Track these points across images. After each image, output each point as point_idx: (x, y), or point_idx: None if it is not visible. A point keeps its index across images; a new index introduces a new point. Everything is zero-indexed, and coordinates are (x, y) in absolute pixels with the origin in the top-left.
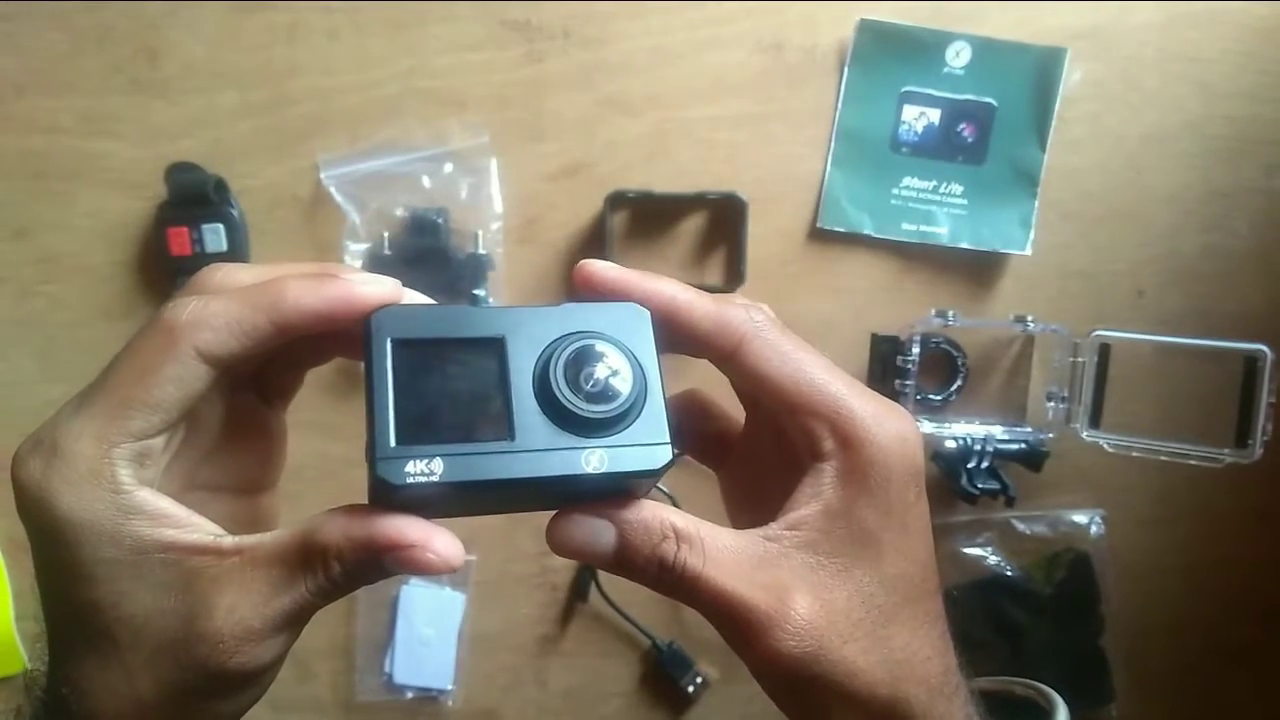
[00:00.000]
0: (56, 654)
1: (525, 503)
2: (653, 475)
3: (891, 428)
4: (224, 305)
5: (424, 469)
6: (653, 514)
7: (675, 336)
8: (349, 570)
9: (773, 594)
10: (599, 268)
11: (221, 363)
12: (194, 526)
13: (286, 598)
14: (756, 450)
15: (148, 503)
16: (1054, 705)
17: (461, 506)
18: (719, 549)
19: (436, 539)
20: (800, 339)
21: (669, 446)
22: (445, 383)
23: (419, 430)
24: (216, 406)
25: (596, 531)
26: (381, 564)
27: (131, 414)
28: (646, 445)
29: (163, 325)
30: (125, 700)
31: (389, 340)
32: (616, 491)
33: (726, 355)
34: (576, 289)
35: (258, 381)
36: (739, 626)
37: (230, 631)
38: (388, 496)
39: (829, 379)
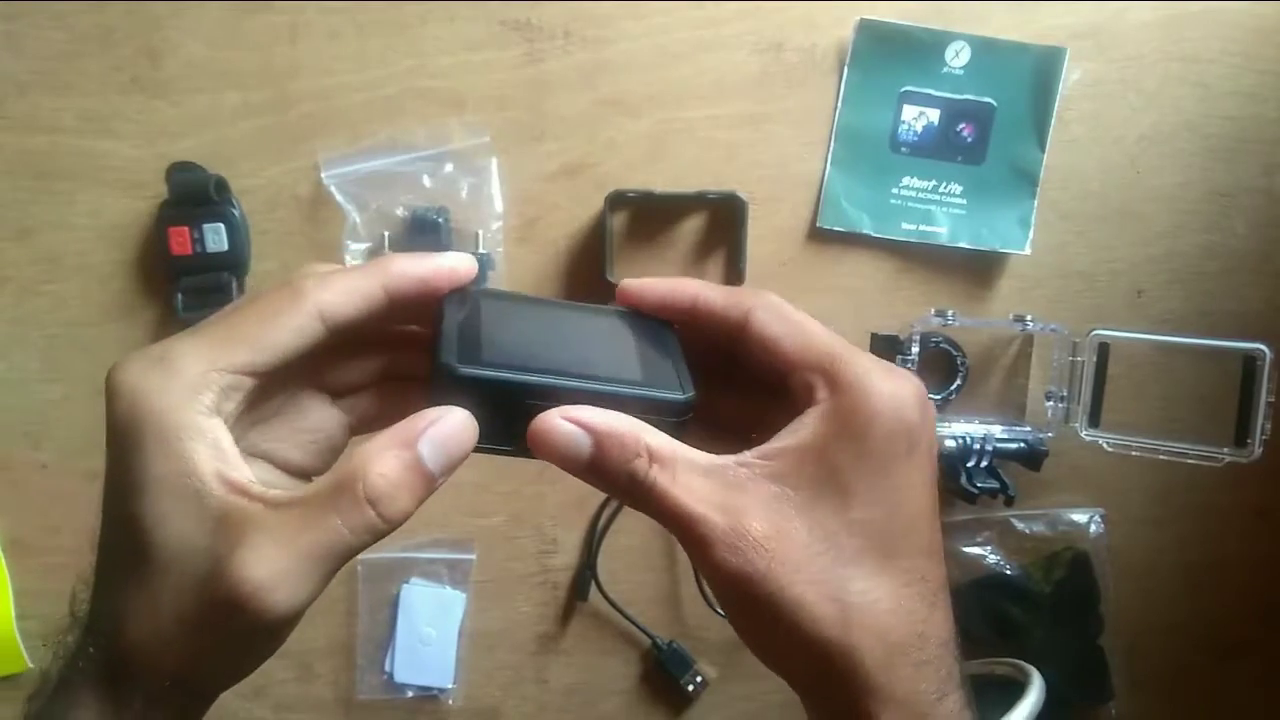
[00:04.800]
0: (101, 573)
1: None
2: (674, 406)
3: (887, 383)
4: (345, 273)
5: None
6: (630, 429)
7: (699, 321)
8: (382, 492)
9: (730, 515)
10: (630, 285)
11: (336, 325)
12: (238, 465)
13: (312, 535)
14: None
15: (214, 430)
16: (1029, 678)
17: (506, 427)
18: (688, 469)
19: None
20: (807, 315)
21: (689, 394)
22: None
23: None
24: (288, 382)
25: (575, 440)
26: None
27: (242, 348)
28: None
29: (292, 284)
30: (147, 627)
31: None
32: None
33: (738, 326)
34: (620, 302)
35: (336, 391)
36: (693, 540)
37: (251, 570)
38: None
39: (830, 339)
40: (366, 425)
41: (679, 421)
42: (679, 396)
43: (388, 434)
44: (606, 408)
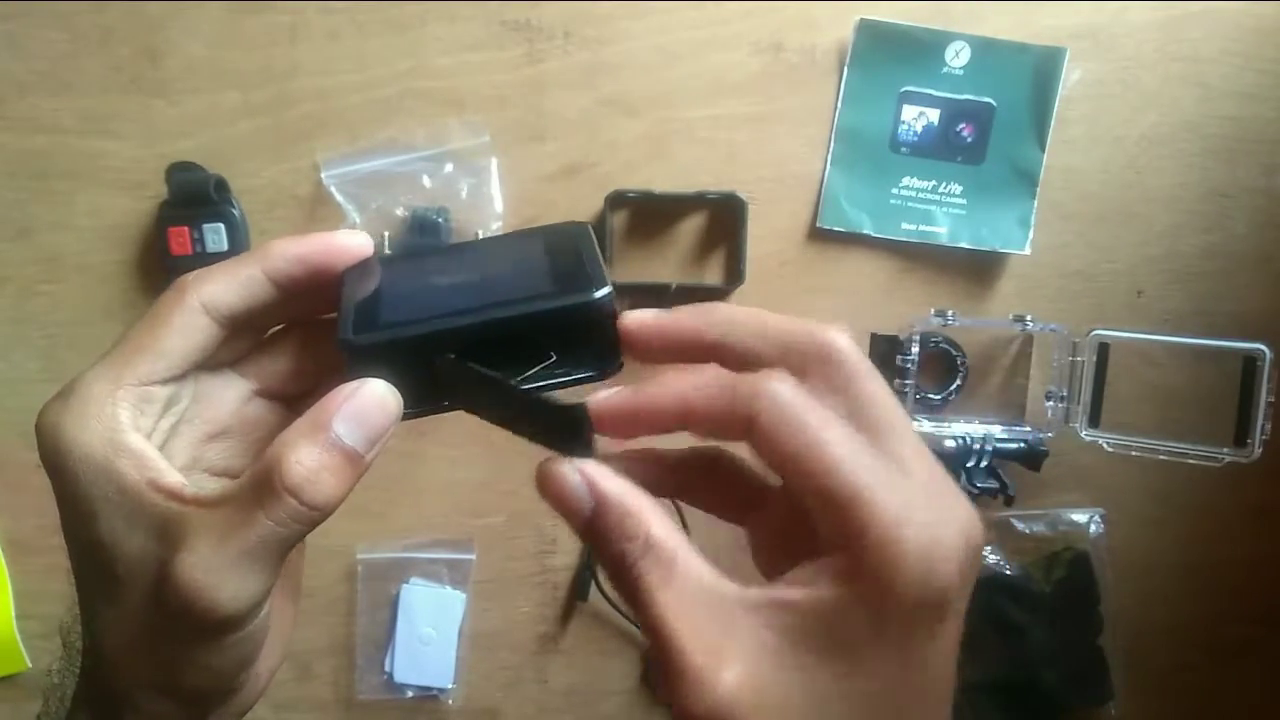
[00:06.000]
0: (81, 594)
1: (492, 396)
2: (587, 308)
3: (922, 536)
4: (223, 264)
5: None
6: (638, 507)
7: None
8: (299, 482)
9: (708, 654)
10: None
11: (222, 314)
12: (167, 472)
13: (242, 532)
14: (787, 511)
15: (135, 443)
16: None
17: (433, 385)
18: (686, 579)
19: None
20: (854, 394)
21: (606, 291)
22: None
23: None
24: (228, 392)
25: (578, 496)
26: (332, 439)
27: (139, 359)
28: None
29: (174, 286)
30: (121, 642)
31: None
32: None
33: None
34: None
35: (283, 392)
36: (665, 666)
37: (190, 573)
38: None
39: (853, 467)
40: None
41: (607, 323)
42: (587, 298)
43: (301, 420)
44: (514, 333)
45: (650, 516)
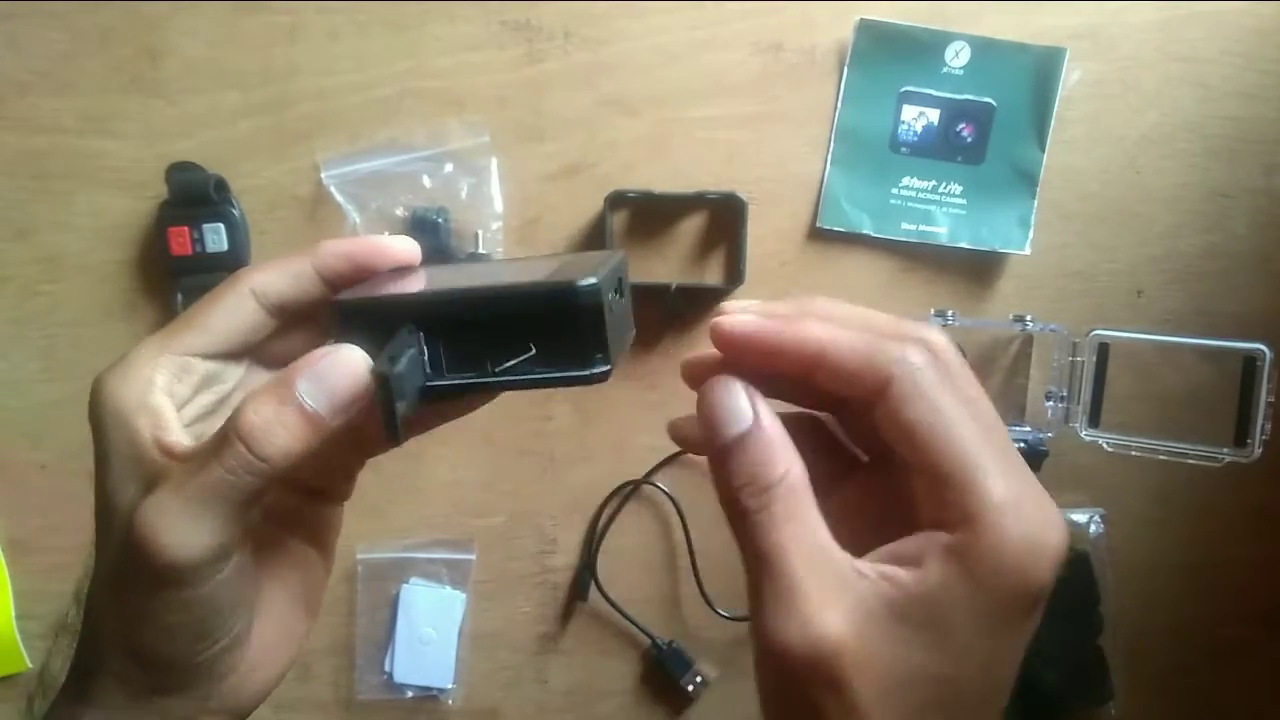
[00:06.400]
0: (95, 553)
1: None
2: (575, 295)
3: (1026, 528)
4: (278, 258)
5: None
6: (785, 443)
7: (823, 376)
8: (258, 432)
9: (821, 595)
10: (732, 326)
11: (271, 301)
12: (174, 430)
13: (198, 479)
14: (875, 486)
15: (157, 402)
16: None
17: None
18: (810, 525)
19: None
20: (968, 387)
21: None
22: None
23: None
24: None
25: (738, 409)
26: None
27: (186, 333)
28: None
29: (231, 275)
30: (106, 593)
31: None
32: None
33: (871, 397)
34: (714, 344)
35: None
36: (770, 597)
37: (148, 515)
38: (343, 330)
39: (976, 448)
40: (376, 441)
41: (596, 318)
42: (564, 285)
43: (272, 377)
44: (491, 316)
45: (795, 458)
